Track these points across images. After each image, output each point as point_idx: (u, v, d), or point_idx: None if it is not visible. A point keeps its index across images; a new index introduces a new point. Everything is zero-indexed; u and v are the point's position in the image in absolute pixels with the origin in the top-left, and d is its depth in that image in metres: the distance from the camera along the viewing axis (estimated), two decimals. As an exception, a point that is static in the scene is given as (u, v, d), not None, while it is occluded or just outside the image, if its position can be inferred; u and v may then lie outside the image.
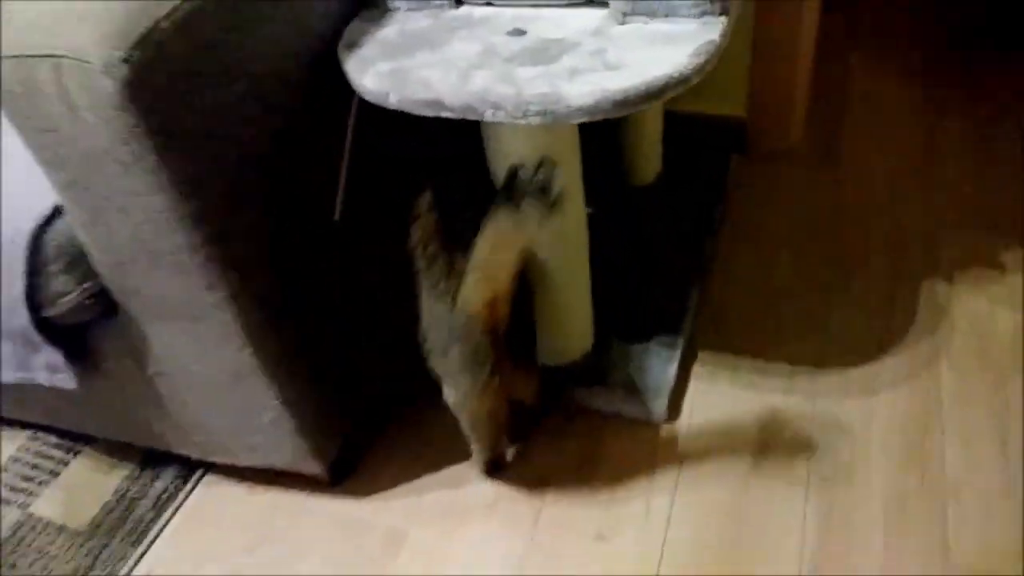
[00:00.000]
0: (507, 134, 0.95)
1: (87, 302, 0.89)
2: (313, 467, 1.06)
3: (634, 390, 1.15)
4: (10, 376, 0.98)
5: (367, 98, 0.88)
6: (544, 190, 0.83)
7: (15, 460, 1.25)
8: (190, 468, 1.19)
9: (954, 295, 1.25)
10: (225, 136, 0.79)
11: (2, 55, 0.71)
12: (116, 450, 1.24)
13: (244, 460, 1.08)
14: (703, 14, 0.85)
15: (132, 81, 0.68)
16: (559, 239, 1.06)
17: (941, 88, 1.66)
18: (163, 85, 0.71)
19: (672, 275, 1.31)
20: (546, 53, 0.85)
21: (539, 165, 0.84)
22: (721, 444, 1.11)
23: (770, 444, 1.10)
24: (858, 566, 0.96)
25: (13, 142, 0.90)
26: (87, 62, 0.67)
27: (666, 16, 0.86)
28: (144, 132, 0.71)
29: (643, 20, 0.87)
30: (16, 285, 0.86)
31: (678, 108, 1.58)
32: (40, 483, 1.21)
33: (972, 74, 1.69)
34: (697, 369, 1.21)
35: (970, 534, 0.96)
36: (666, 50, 0.82)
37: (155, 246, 0.81)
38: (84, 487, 1.20)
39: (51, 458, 1.24)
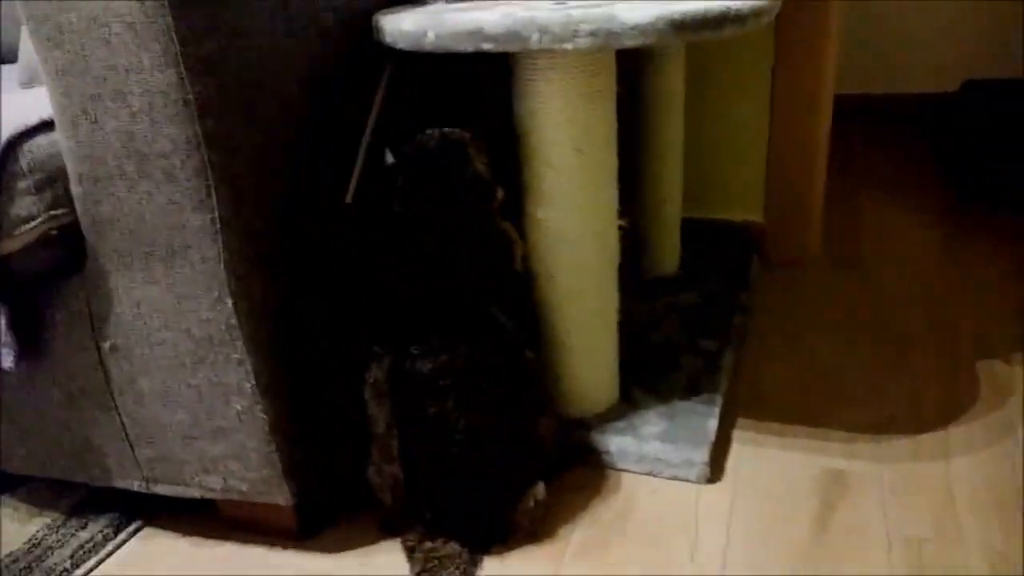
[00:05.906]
0: (542, 80, 0.88)
1: (52, 233, 0.76)
2: (280, 495, 0.86)
3: (671, 441, 0.98)
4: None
5: (403, 44, 0.83)
6: None
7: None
8: (128, 518, 0.98)
9: (1015, 377, 1.13)
10: (249, 23, 0.73)
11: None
12: (41, 500, 1.02)
13: (197, 488, 0.88)
14: (754, -14, 0.83)
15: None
16: (588, 247, 0.96)
17: (949, 209, 1.66)
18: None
19: (702, 342, 1.19)
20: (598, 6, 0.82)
21: None
22: (776, 506, 0.92)
23: (836, 506, 0.92)
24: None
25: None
26: None
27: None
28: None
29: None
30: (-28, 200, 0.74)
31: (696, 215, 1.55)
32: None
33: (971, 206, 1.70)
34: (739, 434, 1.05)
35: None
36: (722, -2, 0.79)
37: (147, 145, 0.70)
38: (-9, 536, 0.97)
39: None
